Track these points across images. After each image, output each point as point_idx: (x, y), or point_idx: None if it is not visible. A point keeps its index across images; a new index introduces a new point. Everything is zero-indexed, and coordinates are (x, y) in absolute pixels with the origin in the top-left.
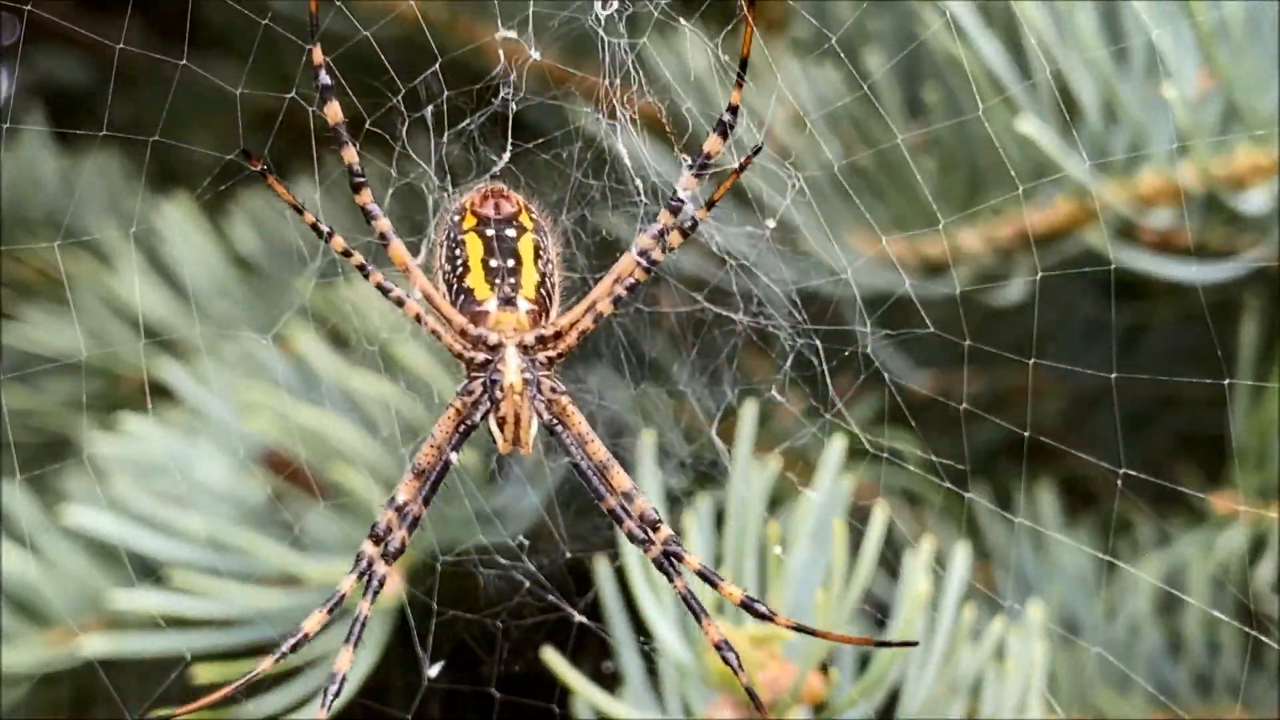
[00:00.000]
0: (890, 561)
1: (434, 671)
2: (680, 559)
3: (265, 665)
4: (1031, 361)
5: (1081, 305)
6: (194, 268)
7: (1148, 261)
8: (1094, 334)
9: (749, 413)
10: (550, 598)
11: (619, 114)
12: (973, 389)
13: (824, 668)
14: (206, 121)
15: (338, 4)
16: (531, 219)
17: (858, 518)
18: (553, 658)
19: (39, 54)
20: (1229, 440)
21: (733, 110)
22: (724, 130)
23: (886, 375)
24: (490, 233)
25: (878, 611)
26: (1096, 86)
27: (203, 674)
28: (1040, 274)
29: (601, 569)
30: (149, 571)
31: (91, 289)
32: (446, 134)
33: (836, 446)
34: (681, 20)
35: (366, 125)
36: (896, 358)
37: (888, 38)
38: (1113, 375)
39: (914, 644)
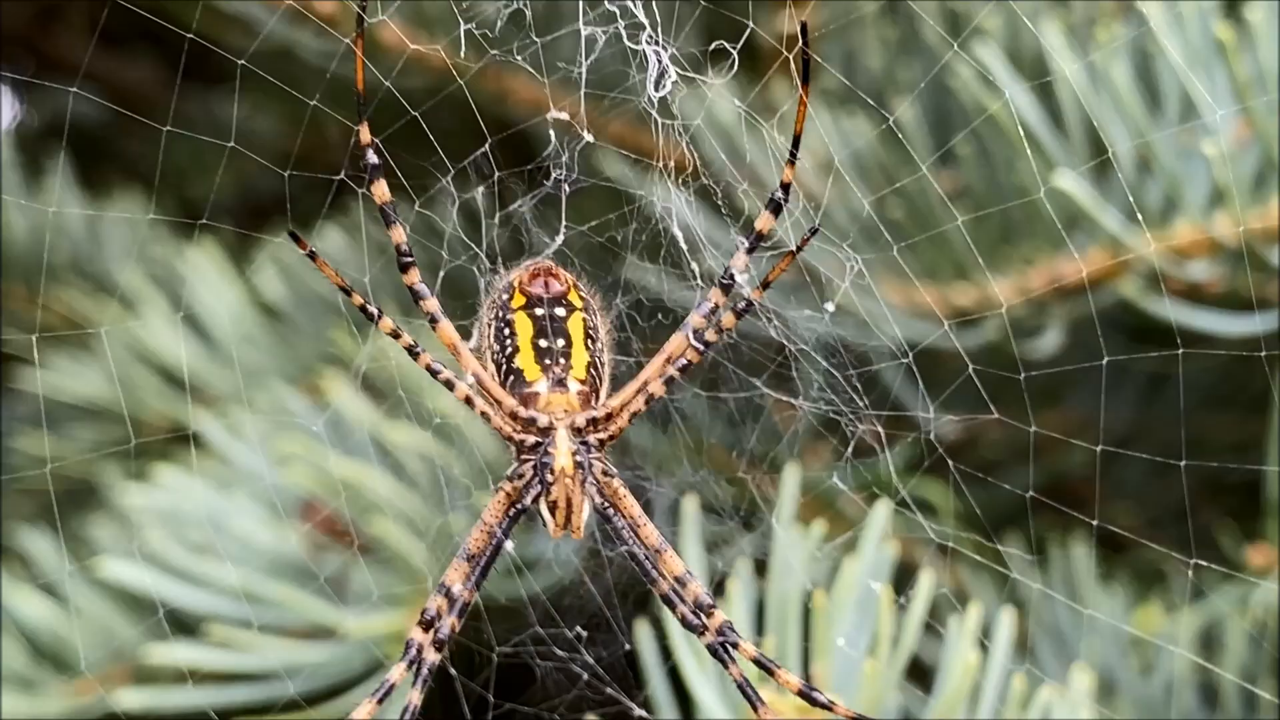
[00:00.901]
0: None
1: None
2: (735, 646)
3: None
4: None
5: (1107, 350)
6: (220, 314)
7: (1181, 313)
8: (1120, 379)
9: (791, 477)
10: (609, 690)
11: (674, 195)
12: (1000, 436)
13: None
14: (227, 161)
15: (387, 84)
16: (581, 297)
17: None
18: None
19: (56, 89)
20: (1263, 489)
21: (785, 188)
22: (777, 208)
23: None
24: (540, 312)
25: (921, 674)
26: (1130, 136)
27: None
28: (1071, 323)
29: (644, 643)
30: (176, 621)
31: (116, 335)
32: (498, 216)
33: (880, 512)
34: (738, 102)
35: (416, 208)
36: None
37: (918, 87)
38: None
39: None
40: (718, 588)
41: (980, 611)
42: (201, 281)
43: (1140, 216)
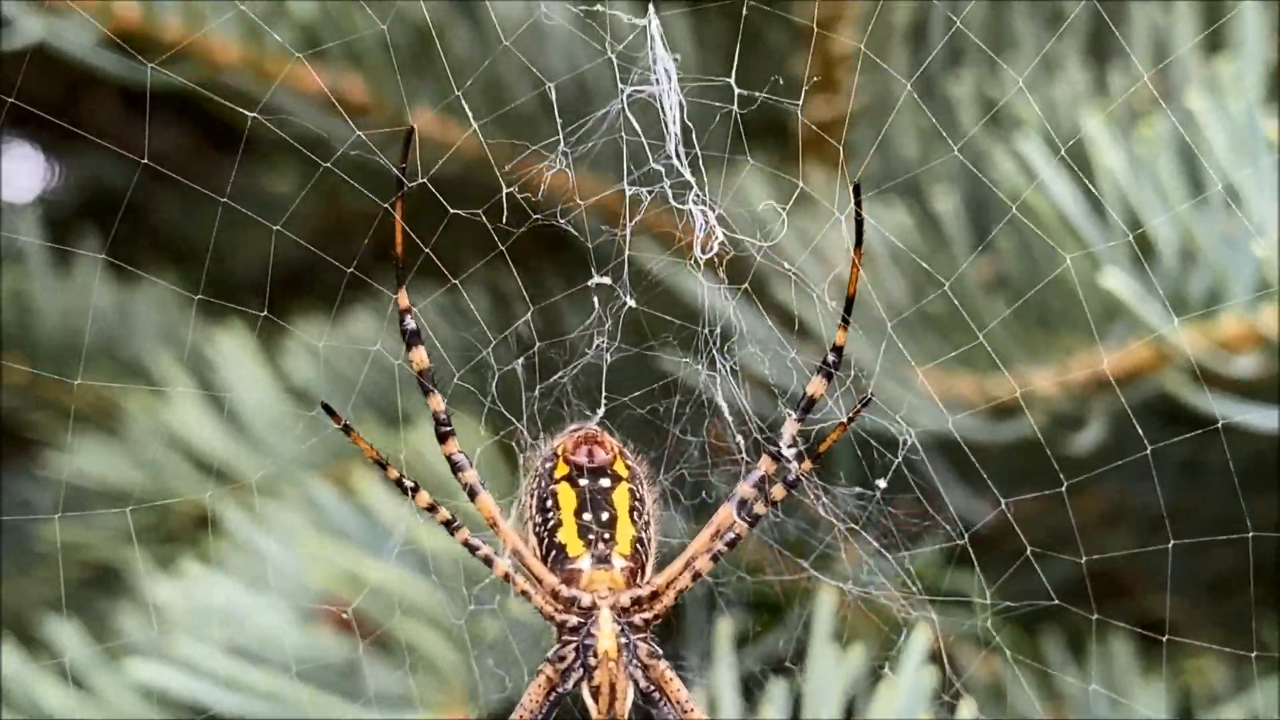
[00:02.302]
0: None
1: None
2: None
3: None
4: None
5: (1147, 433)
6: (248, 399)
7: (1223, 406)
8: (1157, 462)
9: (827, 602)
10: None
11: (719, 364)
12: (1033, 522)
13: None
14: (254, 238)
15: (427, 250)
16: (627, 467)
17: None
18: None
19: (85, 155)
20: None
21: (837, 351)
22: (828, 373)
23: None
24: (584, 483)
25: None
26: (1174, 228)
27: None
28: (1112, 416)
29: None
30: (199, 713)
31: (143, 420)
32: (538, 388)
33: (919, 639)
34: (787, 265)
35: (455, 379)
36: (958, 493)
37: (955, 176)
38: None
39: None
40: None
41: None
42: (229, 365)
43: (1181, 309)
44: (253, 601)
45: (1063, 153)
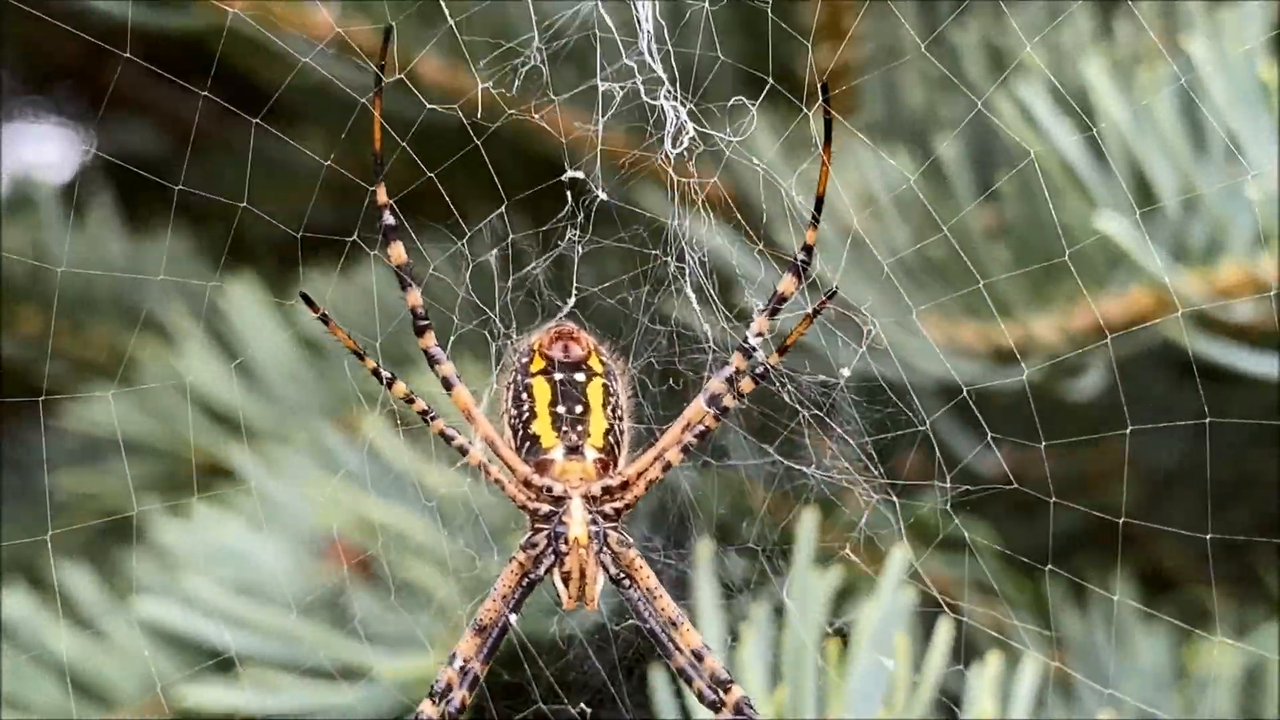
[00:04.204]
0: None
1: None
2: None
3: None
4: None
5: (1155, 387)
6: (260, 349)
7: (1227, 354)
8: (1169, 417)
9: (809, 522)
10: None
11: (688, 256)
12: (1039, 473)
13: None
14: (274, 195)
15: (403, 144)
16: (602, 362)
17: (929, 604)
18: None
19: (112, 123)
20: None
21: (807, 250)
22: (798, 271)
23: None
24: (558, 377)
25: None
26: (1175, 176)
27: None
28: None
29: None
30: (212, 655)
31: (156, 370)
32: (511, 278)
33: (897, 558)
34: (755, 160)
35: (431, 270)
36: (965, 442)
37: (960, 123)
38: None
39: None
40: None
41: (1001, 659)
42: (241, 316)
43: (1183, 257)
44: (257, 541)
45: (1070, 102)
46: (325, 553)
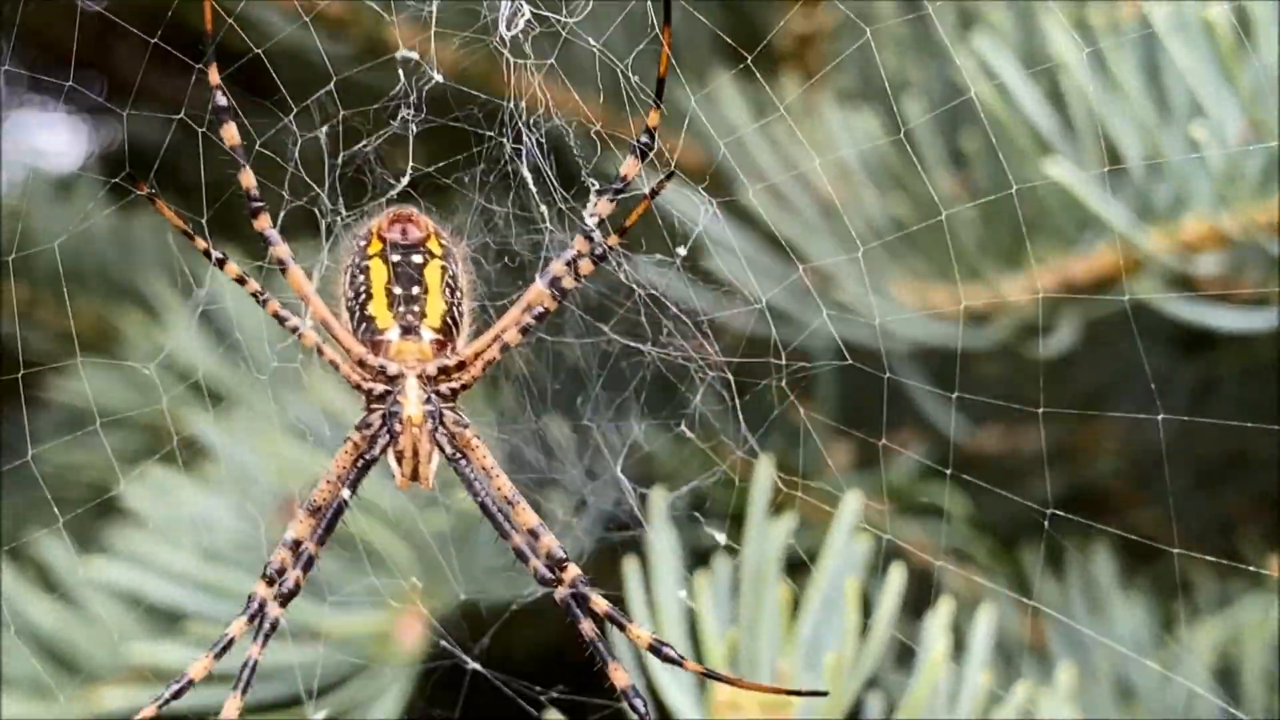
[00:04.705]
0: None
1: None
2: (587, 600)
3: (148, 712)
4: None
5: (1146, 358)
6: (243, 321)
7: (1193, 311)
8: (1162, 389)
9: (765, 468)
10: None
11: (525, 138)
12: (1032, 445)
13: None
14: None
15: (230, 21)
16: (441, 245)
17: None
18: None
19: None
20: None
21: (649, 133)
22: (640, 153)
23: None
24: (396, 258)
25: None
26: (1138, 136)
27: None
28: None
29: None
30: (177, 618)
31: (141, 344)
32: (342, 156)
33: (850, 505)
34: (591, 41)
35: (257, 146)
36: (947, 413)
37: (928, 87)
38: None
39: (824, 694)
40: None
41: (952, 606)
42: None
43: (1148, 217)
44: (217, 503)
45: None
46: (278, 511)
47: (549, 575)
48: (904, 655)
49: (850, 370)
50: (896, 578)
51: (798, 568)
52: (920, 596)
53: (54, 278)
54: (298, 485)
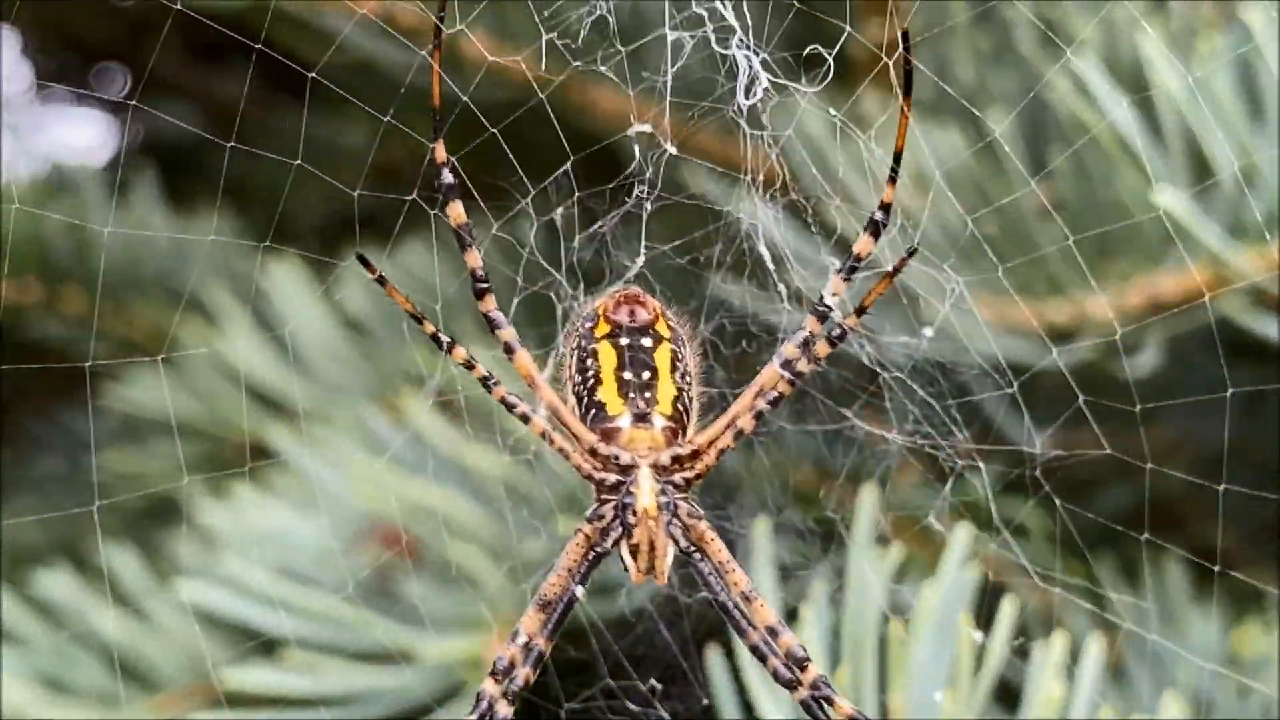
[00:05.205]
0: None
1: None
2: (831, 703)
3: None
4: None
5: (1205, 365)
6: (303, 330)
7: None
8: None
9: (868, 499)
10: None
11: (761, 213)
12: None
13: None
14: (317, 178)
15: (465, 99)
16: (669, 327)
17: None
18: None
19: (153, 106)
20: None
21: (885, 208)
22: (876, 230)
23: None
24: (625, 342)
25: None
26: (1232, 149)
27: None
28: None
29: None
30: (255, 637)
31: (199, 351)
32: (578, 237)
33: (961, 536)
34: (831, 110)
35: (494, 231)
36: (1019, 425)
37: (1012, 99)
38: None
39: None
40: (790, 614)
41: (1066, 641)
42: (284, 297)
43: (1239, 234)
44: (301, 524)
45: (1123, 79)
46: (368, 535)
47: (788, 676)
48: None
49: None
50: (1009, 611)
51: None
52: (990, 608)
53: (113, 285)
54: (384, 507)
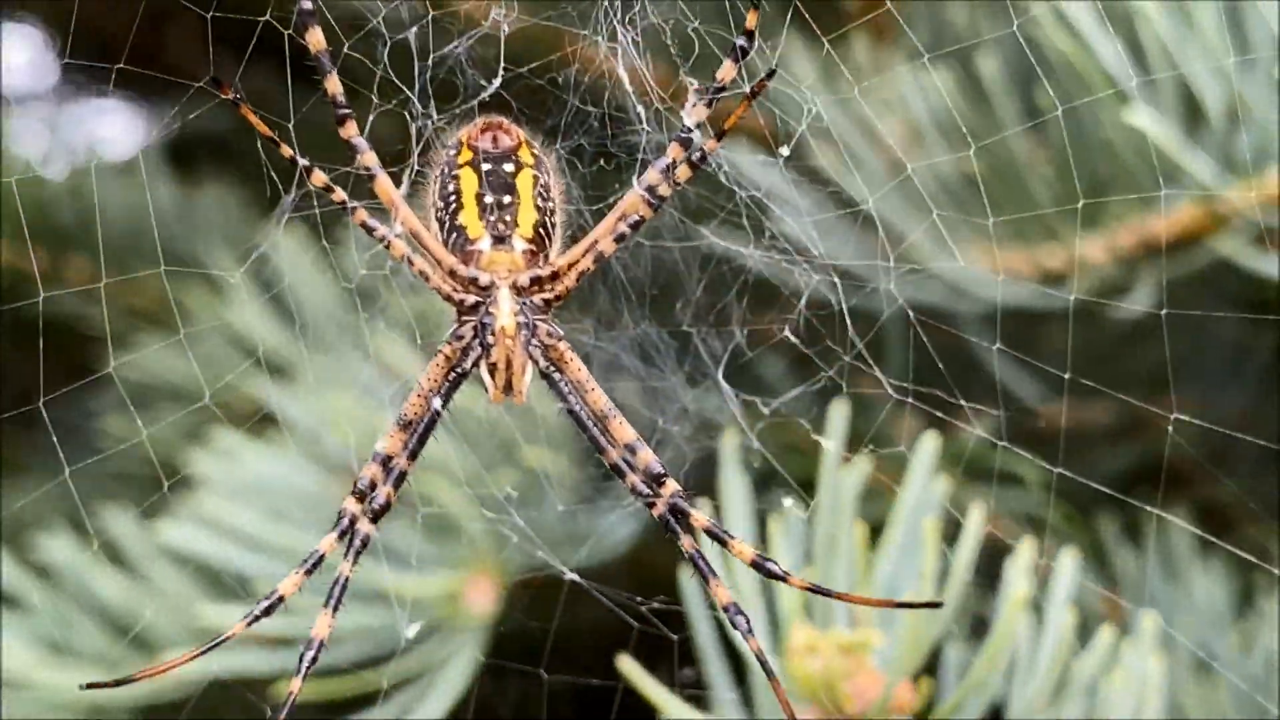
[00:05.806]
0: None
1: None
2: (687, 515)
3: (238, 628)
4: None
5: (1221, 329)
6: (306, 296)
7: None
8: (1237, 360)
9: (839, 411)
10: (539, 554)
11: (620, 36)
12: (1104, 416)
13: (918, 678)
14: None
15: None
16: (533, 154)
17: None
18: (629, 667)
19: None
20: None
21: (748, 35)
22: (738, 56)
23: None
24: (487, 167)
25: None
26: (1219, 86)
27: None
28: (1166, 282)
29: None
30: (237, 581)
31: (204, 318)
32: (432, 58)
33: (928, 446)
34: None
35: (345, 49)
36: (1024, 382)
37: (1002, 41)
38: None
39: (938, 604)
40: (761, 524)
41: (1034, 548)
42: (287, 262)
43: (1230, 169)
44: (282, 466)
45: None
46: (346, 472)
47: (647, 491)
48: (978, 628)
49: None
50: (976, 516)
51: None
52: (993, 567)
53: (118, 254)
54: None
